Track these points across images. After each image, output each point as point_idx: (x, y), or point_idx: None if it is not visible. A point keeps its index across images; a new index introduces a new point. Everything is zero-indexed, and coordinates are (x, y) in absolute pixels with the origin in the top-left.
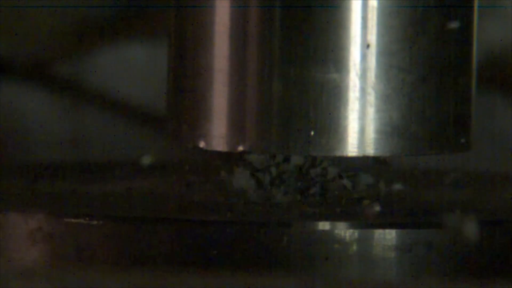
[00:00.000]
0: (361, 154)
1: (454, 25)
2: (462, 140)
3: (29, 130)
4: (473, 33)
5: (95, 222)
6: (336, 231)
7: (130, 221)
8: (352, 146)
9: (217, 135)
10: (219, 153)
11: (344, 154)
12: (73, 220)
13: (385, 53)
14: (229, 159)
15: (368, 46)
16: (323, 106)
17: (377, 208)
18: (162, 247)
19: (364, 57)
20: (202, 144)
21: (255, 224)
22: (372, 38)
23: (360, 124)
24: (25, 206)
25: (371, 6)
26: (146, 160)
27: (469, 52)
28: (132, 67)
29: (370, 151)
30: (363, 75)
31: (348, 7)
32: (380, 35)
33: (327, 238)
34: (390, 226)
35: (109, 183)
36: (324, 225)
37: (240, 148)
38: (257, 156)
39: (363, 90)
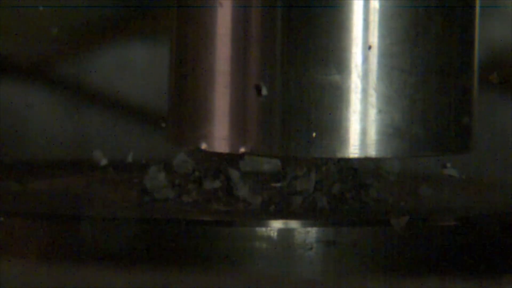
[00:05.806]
0: (362, 156)
1: (455, 26)
2: (464, 142)
3: (29, 129)
4: (475, 35)
5: (1, 219)
6: (240, 229)
7: (36, 218)
8: (353, 148)
9: (219, 136)
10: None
11: (346, 155)
12: None
13: (386, 55)
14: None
15: (369, 47)
16: (325, 107)
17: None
18: (66, 244)
19: (365, 59)
20: (203, 146)
21: (162, 222)
22: (374, 39)
23: (361, 126)
24: None
25: (373, 8)
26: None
27: (470, 54)
28: (133, 67)
29: (372, 152)
30: (365, 77)
31: (350, 9)
32: (382, 36)
33: (232, 235)
34: (297, 224)
35: (31, 181)
36: (229, 223)
37: (242, 150)
38: (180, 159)
39: (364, 92)
